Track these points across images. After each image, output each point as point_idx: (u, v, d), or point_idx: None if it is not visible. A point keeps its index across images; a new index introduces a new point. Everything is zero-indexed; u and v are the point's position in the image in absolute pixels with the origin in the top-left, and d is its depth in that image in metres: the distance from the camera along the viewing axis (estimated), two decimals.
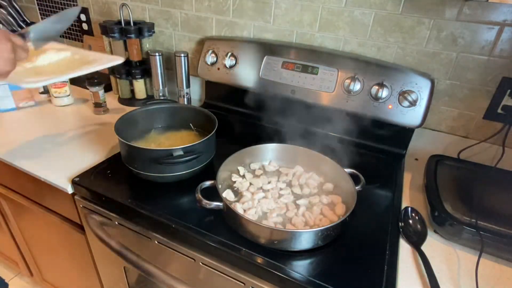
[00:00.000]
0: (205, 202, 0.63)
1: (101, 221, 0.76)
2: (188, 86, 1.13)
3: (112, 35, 1.08)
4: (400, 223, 0.68)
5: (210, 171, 0.76)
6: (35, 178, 0.80)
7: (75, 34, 1.49)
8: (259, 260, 0.57)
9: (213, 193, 0.64)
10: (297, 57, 0.95)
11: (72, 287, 1.14)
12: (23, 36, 0.65)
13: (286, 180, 0.77)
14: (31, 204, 0.96)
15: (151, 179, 0.74)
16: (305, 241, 0.59)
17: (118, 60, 0.78)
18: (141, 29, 1.10)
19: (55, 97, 1.11)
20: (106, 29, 1.08)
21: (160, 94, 1.16)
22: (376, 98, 0.86)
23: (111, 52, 1.15)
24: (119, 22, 1.10)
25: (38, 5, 1.54)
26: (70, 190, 0.77)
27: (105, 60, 0.76)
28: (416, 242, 0.64)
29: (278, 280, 0.56)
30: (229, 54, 1.02)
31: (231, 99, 1.11)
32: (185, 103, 1.15)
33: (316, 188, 0.75)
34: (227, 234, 0.62)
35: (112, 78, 1.22)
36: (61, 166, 0.81)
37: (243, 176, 0.77)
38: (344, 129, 0.96)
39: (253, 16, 1.05)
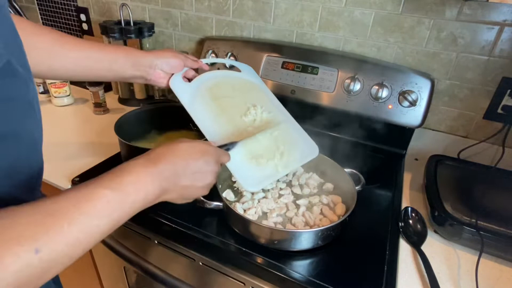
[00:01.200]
0: (205, 202, 0.63)
1: None
2: None
3: (112, 35, 1.08)
4: (400, 223, 0.68)
5: None
6: None
7: (75, 34, 1.49)
8: (259, 260, 0.57)
9: (213, 193, 0.64)
10: (297, 57, 0.95)
11: (72, 287, 1.14)
12: (228, 148, 0.59)
13: (286, 180, 0.77)
14: None
15: None
16: (305, 241, 0.59)
17: (314, 153, 0.71)
18: (141, 29, 1.10)
19: (55, 97, 1.11)
20: (106, 29, 1.08)
21: (160, 94, 1.16)
22: (376, 98, 0.86)
23: None
24: (119, 22, 1.11)
25: (38, 5, 1.54)
26: None
27: (299, 154, 0.69)
28: (416, 242, 0.64)
29: (278, 280, 0.56)
30: (229, 54, 1.02)
31: None
32: None
33: (316, 188, 0.75)
34: (227, 234, 0.62)
35: None
36: (61, 166, 0.81)
37: None
38: (344, 129, 0.96)
39: (253, 16, 1.05)
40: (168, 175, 0.43)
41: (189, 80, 0.71)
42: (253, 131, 0.67)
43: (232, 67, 0.79)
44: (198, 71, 0.74)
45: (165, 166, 0.43)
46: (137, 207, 0.39)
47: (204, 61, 0.74)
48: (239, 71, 0.80)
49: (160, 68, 0.65)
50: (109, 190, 0.36)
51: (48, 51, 0.56)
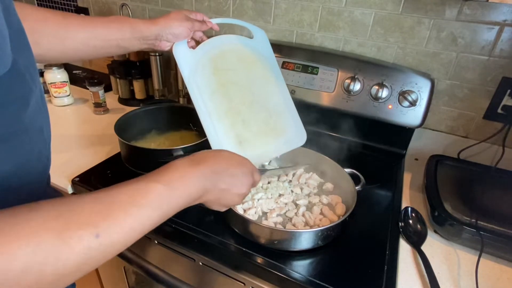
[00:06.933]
0: None
1: None
2: None
3: None
4: (400, 223, 0.68)
5: None
6: None
7: None
8: (259, 260, 0.57)
9: None
10: (297, 57, 0.95)
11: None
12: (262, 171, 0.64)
13: (286, 180, 0.77)
14: None
15: None
16: (305, 241, 0.59)
17: (301, 141, 0.76)
18: None
19: (55, 97, 1.11)
20: None
21: (160, 94, 1.16)
22: (376, 98, 0.86)
23: None
24: None
25: (38, 5, 1.54)
26: (70, 190, 0.77)
27: (289, 141, 0.74)
28: (416, 242, 0.64)
29: (278, 280, 0.56)
30: None
31: None
32: (185, 103, 1.15)
33: (316, 188, 0.75)
34: (227, 234, 0.62)
35: (112, 78, 1.22)
36: (61, 166, 0.81)
37: None
38: (344, 129, 0.96)
39: (253, 16, 1.05)
40: (209, 175, 0.45)
41: (196, 42, 0.69)
42: (245, 111, 0.69)
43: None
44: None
45: (207, 167, 0.45)
46: (182, 203, 0.42)
47: (213, 21, 0.70)
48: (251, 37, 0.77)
49: (165, 38, 0.65)
50: (160, 184, 0.38)
51: (55, 36, 0.57)
